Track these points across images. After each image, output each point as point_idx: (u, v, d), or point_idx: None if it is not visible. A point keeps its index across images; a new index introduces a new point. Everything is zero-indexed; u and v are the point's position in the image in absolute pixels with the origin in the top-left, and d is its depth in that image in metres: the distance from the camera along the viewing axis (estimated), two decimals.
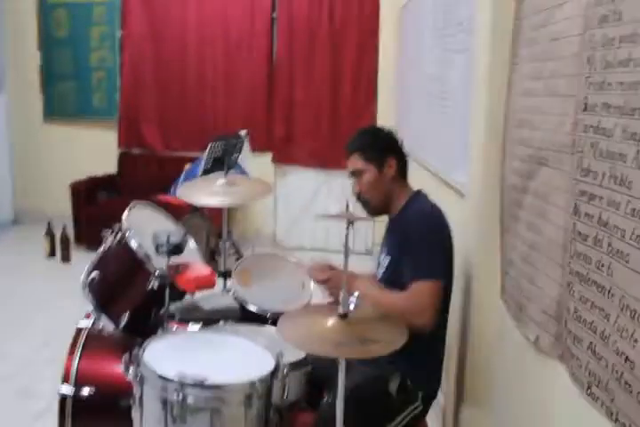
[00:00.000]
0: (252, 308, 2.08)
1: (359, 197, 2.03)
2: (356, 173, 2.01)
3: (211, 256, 4.22)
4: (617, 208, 1.12)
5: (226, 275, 2.57)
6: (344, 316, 1.49)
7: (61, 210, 5.28)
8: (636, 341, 1.02)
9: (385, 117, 4.97)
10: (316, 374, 1.85)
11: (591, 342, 1.19)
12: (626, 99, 1.10)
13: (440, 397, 2.25)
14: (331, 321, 1.48)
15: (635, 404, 1.00)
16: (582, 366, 1.23)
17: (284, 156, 5.58)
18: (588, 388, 1.19)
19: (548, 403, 1.43)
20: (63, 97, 5.90)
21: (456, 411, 2.23)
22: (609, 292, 1.13)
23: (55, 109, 5.94)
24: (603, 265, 1.16)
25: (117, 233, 1.78)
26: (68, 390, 2.02)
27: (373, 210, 2.04)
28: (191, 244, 1.97)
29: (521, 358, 1.67)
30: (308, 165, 5.54)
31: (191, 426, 1.36)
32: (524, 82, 1.70)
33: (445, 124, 2.71)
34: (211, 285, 1.72)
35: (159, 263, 1.68)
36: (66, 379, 2.05)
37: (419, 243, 1.88)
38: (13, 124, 6.02)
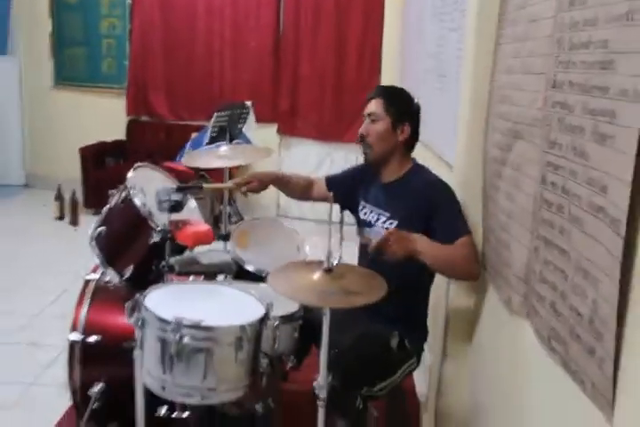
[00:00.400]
0: (249, 267, 2.20)
1: (362, 140, 2.07)
2: (371, 117, 2.05)
3: (214, 223, 4.35)
4: (576, 177, 1.21)
5: (226, 238, 2.68)
6: (329, 270, 1.63)
7: (71, 174, 5.41)
8: (586, 297, 1.12)
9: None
10: (313, 331, 1.91)
11: (552, 301, 1.30)
12: (586, 77, 1.20)
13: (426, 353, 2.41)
14: (317, 275, 1.62)
15: (584, 353, 1.11)
16: (544, 323, 1.33)
17: (289, 127, 5.69)
18: (549, 341, 1.30)
19: (519, 359, 1.54)
20: (73, 63, 5.99)
21: (440, 367, 2.38)
22: (567, 254, 1.23)
23: (65, 75, 6.02)
24: (564, 230, 1.26)
25: (122, 192, 1.91)
26: (76, 337, 2.19)
27: (371, 157, 2.09)
28: (191, 203, 2.11)
29: (496, 318, 1.80)
30: (312, 138, 5.64)
31: (187, 364, 1.50)
32: (507, 60, 1.78)
33: (440, 100, 2.80)
34: (208, 240, 1.85)
35: (161, 220, 1.81)
36: (74, 327, 2.21)
37: (452, 206, 1.98)
38: (24, 89, 6.11)
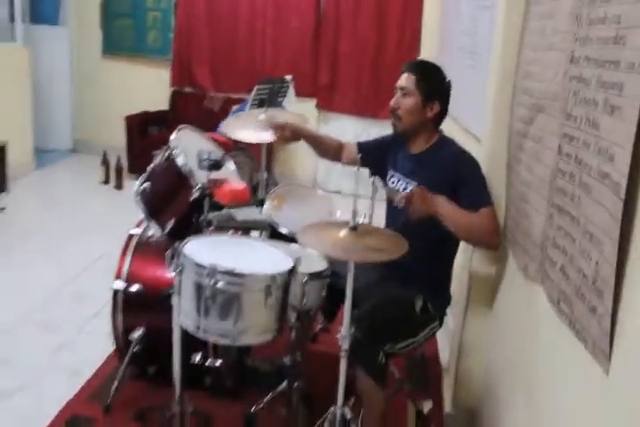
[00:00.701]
0: (283, 230, 2.33)
1: (394, 111, 2.16)
2: (402, 90, 2.13)
3: (253, 191, 4.50)
4: (588, 148, 1.28)
5: (262, 204, 2.81)
6: (354, 228, 1.76)
7: (116, 141, 5.61)
8: (590, 259, 1.20)
9: None
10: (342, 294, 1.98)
11: (562, 264, 1.37)
12: (601, 52, 1.26)
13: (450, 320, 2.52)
14: (343, 232, 1.75)
15: (587, 312, 1.19)
16: (555, 286, 1.40)
17: (327, 102, 5.77)
18: (558, 304, 1.37)
19: (532, 324, 1.61)
20: (121, 34, 6.15)
21: (461, 332, 2.49)
22: (577, 220, 1.30)
23: (113, 46, 6.20)
24: (574, 197, 1.33)
25: (165, 151, 2.06)
26: (119, 285, 2.38)
27: (400, 128, 2.18)
28: (230, 165, 2.24)
29: (514, 284, 1.89)
30: (350, 113, 5.71)
31: (220, 307, 1.65)
32: (533, 37, 1.83)
33: (471, 77, 2.86)
34: (244, 198, 1.99)
35: (201, 178, 1.96)
36: (118, 276, 2.40)
37: (477, 177, 2.07)
38: (74, 58, 6.31)
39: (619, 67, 1.17)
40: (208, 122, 5.48)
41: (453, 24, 3.82)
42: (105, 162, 5.43)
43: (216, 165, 1.91)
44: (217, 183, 1.96)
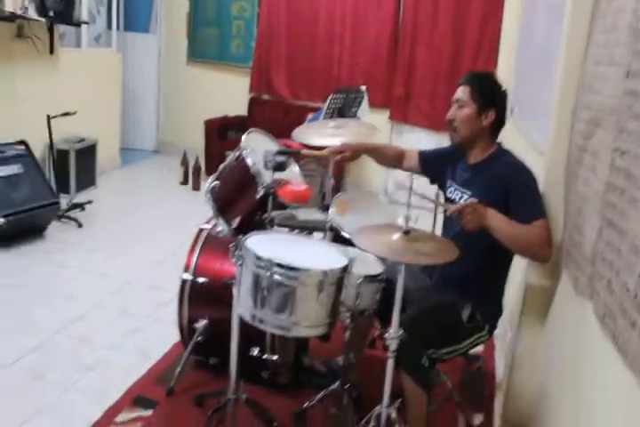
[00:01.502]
0: (345, 234, 2.39)
1: (450, 123, 2.22)
2: (458, 102, 2.19)
3: (323, 198, 4.60)
4: (637, 161, 1.28)
5: (327, 208, 2.91)
6: (407, 232, 1.83)
7: (196, 143, 5.88)
8: (634, 272, 1.19)
9: (504, 85, 5.01)
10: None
11: (609, 279, 1.36)
12: None
13: (500, 327, 2.50)
14: (396, 235, 1.83)
15: (628, 326, 1.19)
16: (601, 300, 1.40)
17: (401, 114, 5.77)
18: (603, 318, 1.36)
19: (581, 339, 1.60)
20: (205, 42, 6.45)
21: (515, 346, 2.48)
22: (625, 234, 1.29)
23: (198, 53, 6.50)
24: (623, 211, 1.33)
25: (236, 152, 2.20)
26: (187, 277, 2.53)
27: (457, 139, 2.23)
28: (295, 168, 2.36)
29: (566, 298, 1.89)
30: (422, 126, 5.69)
31: (274, 297, 1.75)
32: (596, 51, 1.82)
33: (543, 90, 2.85)
34: (305, 198, 2.09)
35: (267, 178, 2.08)
36: (186, 269, 2.56)
37: (531, 189, 2.08)
38: (162, 64, 6.68)
39: None
40: (284, 129, 5.64)
41: (530, 36, 3.80)
42: (184, 163, 5.69)
43: (280, 166, 2.03)
44: (280, 183, 2.07)
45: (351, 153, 2.42)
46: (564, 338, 1.87)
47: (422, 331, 2.01)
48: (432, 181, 2.49)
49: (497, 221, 1.98)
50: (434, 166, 2.42)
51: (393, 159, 2.54)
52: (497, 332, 2.95)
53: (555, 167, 2.14)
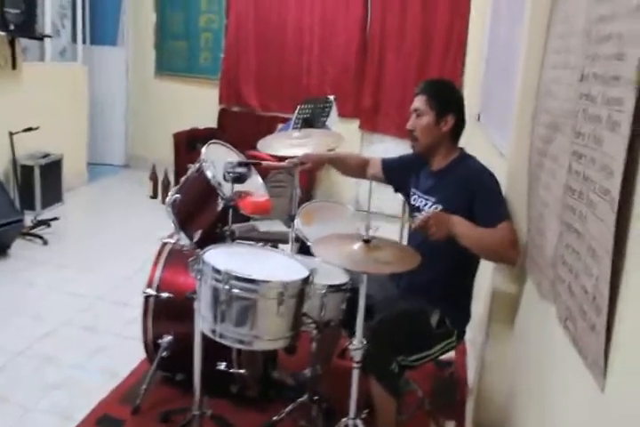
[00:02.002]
0: (310, 243, 2.39)
1: (411, 133, 2.23)
2: (416, 112, 2.21)
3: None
4: (593, 164, 1.28)
5: (293, 219, 2.89)
6: (367, 241, 1.81)
7: (166, 157, 5.82)
8: (592, 275, 1.19)
9: (471, 91, 5.07)
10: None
11: (569, 282, 1.36)
12: (605, 69, 1.28)
13: (471, 332, 2.48)
14: (356, 245, 1.80)
15: (587, 329, 1.18)
16: (563, 303, 1.40)
17: (371, 124, 5.79)
18: (565, 321, 1.37)
19: (545, 343, 1.60)
20: (173, 55, 6.43)
21: (483, 351, 2.47)
22: (583, 236, 1.30)
23: (166, 66, 6.47)
24: (582, 214, 1.33)
25: (197, 164, 2.17)
26: (151, 291, 2.48)
27: (418, 148, 2.24)
28: (258, 180, 2.33)
29: (530, 303, 1.90)
30: (393, 135, 5.67)
31: (233, 311, 1.73)
32: (552, 55, 1.84)
33: (504, 95, 2.88)
34: (266, 210, 2.07)
35: (228, 191, 2.05)
36: (150, 284, 2.51)
37: (494, 192, 2.10)
38: (130, 77, 6.63)
39: (619, 82, 1.18)
40: (254, 140, 5.61)
41: (496, 42, 3.84)
42: (153, 177, 5.64)
43: (240, 178, 2.01)
44: (241, 195, 2.05)
45: (313, 164, 2.40)
46: (529, 342, 1.87)
47: (391, 337, 2.01)
48: (396, 190, 2.48)
49: (462, 228, 1.98)
50: (397, 174, 2.41)
51: (356, 169, 2.53)
52: (469, 337, 2.95)
53: (516, 172, 2.15)
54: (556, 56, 1.81)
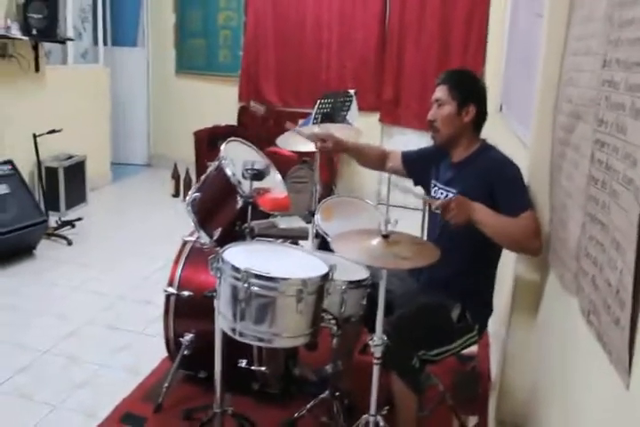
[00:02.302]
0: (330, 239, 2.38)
1: (432, 124, 2.20)
2: (437, 102, 2.17)
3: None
4: (617, 153, 1.25)
5: (313, 214, 2.88)
6: (386, 236, 1.78)
7: (188, 155, 5.83)
8: (616, 268, 1.17)
9: (493, 82, 5.00)
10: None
11: (593, 275, 1.34)
12: (629, 54, 1.23)
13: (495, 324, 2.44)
14: (375, 240, 1.78)
15: (612, 324, 1.16)
16: (586, 297, 1.37)
17: (391, 117, 5.76)
18: (588, 315, 1.34)
19: (568, 336, 1.57)
20: (193, 53, 6.44)
21: (505, 344, 2.43)
22: (607, 228, 1.26)
23: (186, 64, 6.49)
24: (605, 205, 1.30)
25: (216, 162, 2.16)
26: (172, 290, 2.49)
27: (439, 139, 2.20)
28: (277, 177, 2.32)
29: (553, 294, 1.86)
30: (413, 127, 5.65)
31: (253, 309, 1.72)
32: (573, 42, 1.79)
33: (525, 85, 2.83)
34: (285, 206, 2.06)
35: (247, 188, 2.04)
36: (171, 283, 2.52)
37: (515, 182, 2.06)
38: (151, 76, 6.67)
39: None
40: (274, 136, 5.61)
41: (516, 31, 3.78)
42: (175, 175, 5.66)
43: (259, 175, 1.99)
44: (260, 192, 2.04)
45: (333, 145, 2.39)
46: (552, 336, 1.84)
47: (411, 332, 1.99)
48: (416, 183, 2.45)
49: (483, 215, 1.94)
50: (417, 167, 2.38)
51: (375, 160, 2.51)
52: (491, 330, 2.91)
53: (539, 162, 2.11)
54: (578, 43, 1.77)
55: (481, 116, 2.18)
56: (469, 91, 2.16)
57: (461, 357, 2.84)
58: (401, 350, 1.94)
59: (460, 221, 1.91)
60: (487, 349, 3.07)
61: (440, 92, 2.17)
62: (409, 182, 2.53)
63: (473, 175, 2.12)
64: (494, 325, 2.68)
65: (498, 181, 2.05)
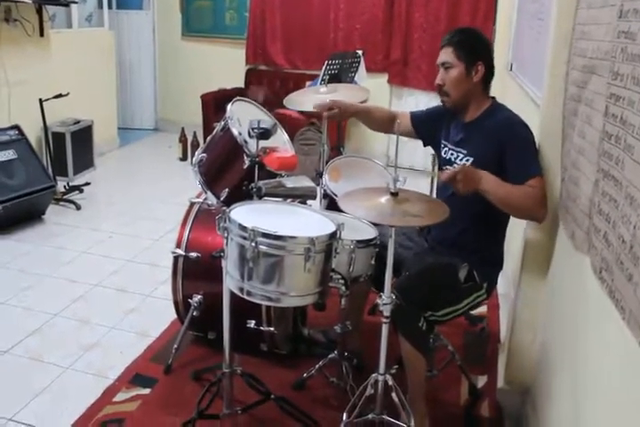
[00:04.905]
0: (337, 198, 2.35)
1: (440, 89, 2.14)
2: (444, 66, 2.11)
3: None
4: (632, 106, 1.20)
5: (321, 175, 2.84)
6: (394, 194, 1.75)
7: (195, 119, 5.77)
8: (630, 224, 1.14)
9: (501, 41, 4.88)
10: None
11: (605, 232, 1.31)
12: None
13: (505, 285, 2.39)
14: (384, 198, 1.75)
15: (625, 280, 1.14)
16: (598, 254, 1.35)
17: (400, 78, 5.67)
18: (600, 272, 1.32)
19: (579, 295, 1.56)
20: (199, 16, 6.33)
21: (515, 304, 2.42)
22: (620, 184, 1.23)
23: (192, 27, 6.39)
24: (619, 160, 1.26)
25: (222, 122, 2.12)
26: (179, 252, 2.48)
27: (450, 104, 2.15)
28: (284, 136, 2.28)
29: (564, 253, 1.84)
30: (422, 88, 5.58)
31: (260, 268, 1.70)
32: None
33: (536, 44, 2.75)
34: (292, 165, 2.01)
35: (254, 148, 2.00)
36: (178, 244, 2.51)
37: (526, 144, 2.01)
38: (157, 40, 6.58)
39: None
40: (282, 98, 5.54)
41: None
42: (183, 139, 5.63)
43: (265, 134, 1.95)
44: (267, 151, 2.00)
45: (340, 111, 2.34)
46: (562, 296, 1.83)
47: (419, 293, 1.97)
48: (425, 144, 2.40)
49: (490, 184, 1.91)
50: (427, 127, 2.33)
51: (384, 122, 2.45)
52: (501, 291, 2.90)
53: (550, 121, 2.06)
54: None
55: (490, 73, 2.12)
56: (475, 49, 2.10)
57: (471, 318, 2.85)
58: (407, 312, 1.92)
59: (466, 192, 1.88)
60: (497, 310, 3.06)
61: (445, 55, 2.11)
62: (418, 144, 2.48)
63: (483, 136, 2.07)
64: (504, 286, 2.66)
65: (509, 142, 2.00)
